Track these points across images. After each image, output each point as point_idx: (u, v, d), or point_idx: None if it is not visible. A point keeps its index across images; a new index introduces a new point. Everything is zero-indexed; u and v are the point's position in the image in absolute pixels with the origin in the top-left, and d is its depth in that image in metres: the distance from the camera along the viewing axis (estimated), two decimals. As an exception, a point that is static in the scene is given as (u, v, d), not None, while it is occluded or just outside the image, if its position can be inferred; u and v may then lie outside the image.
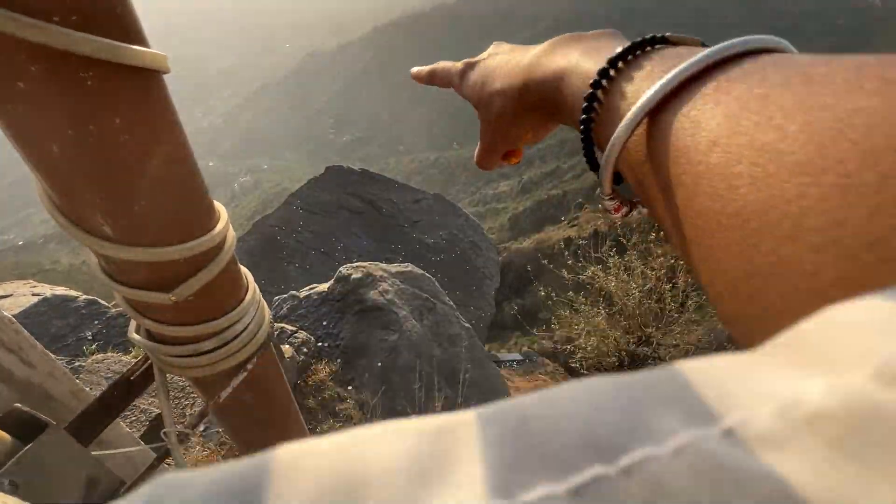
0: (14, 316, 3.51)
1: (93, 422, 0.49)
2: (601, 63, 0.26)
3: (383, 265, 4.36)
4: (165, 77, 0.36)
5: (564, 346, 5.98)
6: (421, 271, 4.49)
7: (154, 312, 0.45)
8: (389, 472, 0.09)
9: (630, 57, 0.26)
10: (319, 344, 3.62)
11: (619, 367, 5.33)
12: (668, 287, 5.10)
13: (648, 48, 0.26)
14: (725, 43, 0.23)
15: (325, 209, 10.87)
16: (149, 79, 0.34)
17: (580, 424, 0.09)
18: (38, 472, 0.35)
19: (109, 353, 2.99)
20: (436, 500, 0.08)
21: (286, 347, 3.28)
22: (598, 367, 5.68)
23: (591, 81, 0.27)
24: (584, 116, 0.27)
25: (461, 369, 3.39)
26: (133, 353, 2.95)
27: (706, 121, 0.20)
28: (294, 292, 4.10)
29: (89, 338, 3.55)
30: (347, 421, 2.99)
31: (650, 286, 5.12)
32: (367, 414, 3.00)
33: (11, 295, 3.82)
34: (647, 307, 5.13)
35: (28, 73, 0.28)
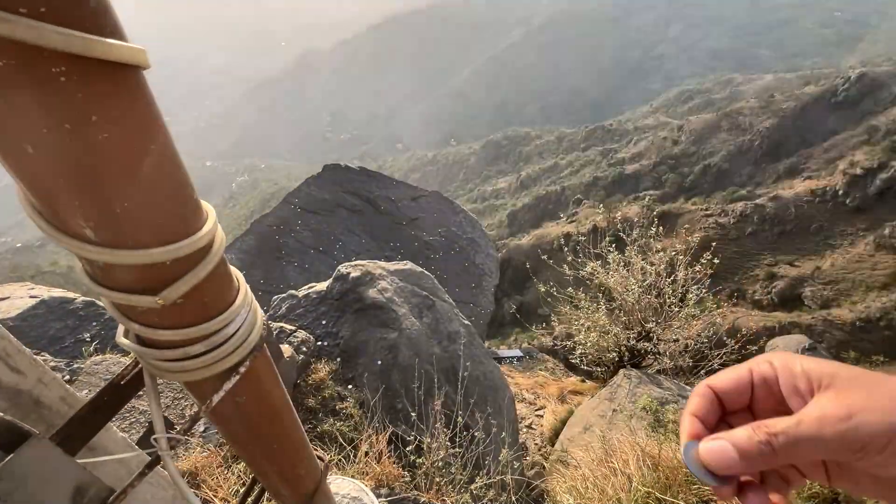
0: (11, 318, 3.50)
1: (82, 429, 0.48)
2: None
3: (382, 263, 4.35)
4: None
5: (564, 342, 5.99)
6: (420, 269, 4.47)
7: (141, 316, 0.43)
8: None
9: None
10: (319, 343, 3.61)
11: (619, 362, 5.33)
12: (667, 282, 5.10)
13: None
14: None
15: (323, 208, 10.86)
16: (127, 74, 0.33)
17: None
18: (21, 483, 0.34)
19: (108, 355, 2.98)
20: None
21: (285, 347, 3.27)
22: (598, 363, 5.69)
23: None
24: None
25: (461, 366, 3.38)
26: (131, 355, 2.94)
27: None
28: (293, 291, 4.09)
29: (88, 339, 3.54)
30: (347, 420, 2.99)
31: (650, 281, 5.12)
32: (367, 412, 2.99)
33: (9, 297, 3.80)
34: (646, 302, 5.13)
35: (-4, 68, 0.27)
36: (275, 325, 3.52)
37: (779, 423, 0.36)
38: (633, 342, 5.23)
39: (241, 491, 0.90)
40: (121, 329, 0.48)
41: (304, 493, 0.92)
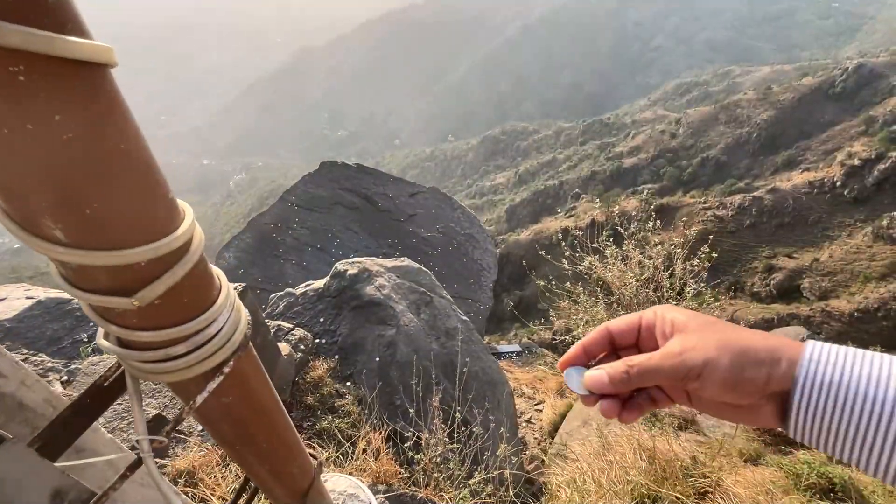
0: (8, 320, 3.49)
1: (63, 432, 0.48)
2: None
3: (379, 260, 4.34)
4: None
5: (563, 337, 5.99)
6: (417, 265, 4.47)
7: (119, 318, 0.43)
8: None
9: None
10: (317, 341, 3.61)
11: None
12: (665, 275, 5.10)
13: None
14: None
15: (320, 205, 10.84)
16: (93, 73, 0.32)
17: None
18: (-4, 488, 0.34)
19: (105, 356, 2.98)
20: None
21: (283, 345, 3.27)
22: (597, 357, 5.69)
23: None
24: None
25: (459, 362, 3.39)
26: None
27: None
28: (290, 289, 4.09)
29: (85, 340, 3.53)
30: (346, 417, 2.99)
31: (647, 275, 5.12)
32: (366, 409, 2.99)
33: (5, 298, 3.79)
34: (644, 296, 5.13)
35: (-47, 68, 0.26)
36: (273, 323, 3.52)
37: (637, 358, 0.49)
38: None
39: (235, 490, 0.90)
40: (101, 331, 0.47)
41: (298, 491, 0.92)
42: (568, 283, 5.58)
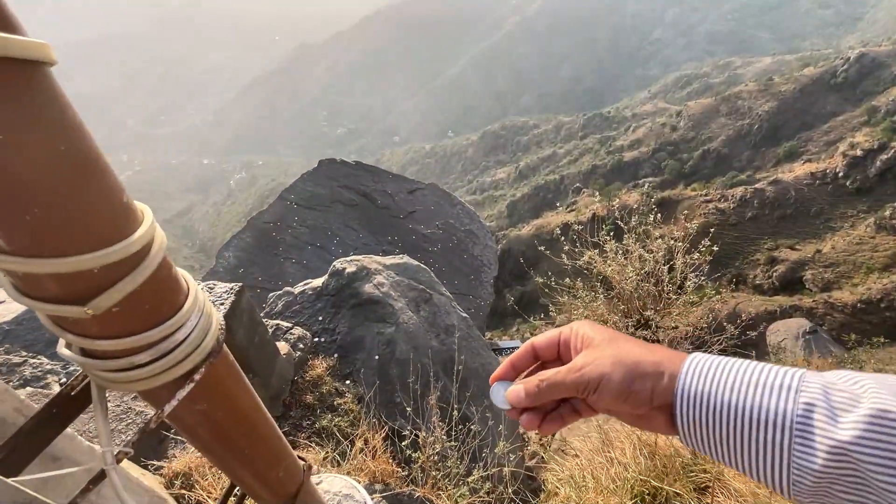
0: (7, 322, 3.49)
1: (27, 445, 0.46)
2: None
3: (378, 258, 4.33)
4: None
5: (563, 332, 5.97)
6: (416, 262, 4.46)
7: (76, 326, 0.41)
8: None
9: None
10: (316, 339, 3.61)
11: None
12: (665, 269, 5.07)
13: None
14: None
15: (319, 203, 10.81)
16: (28, 71, 0.30)
17: None
18: (-60, 508, 0.33)
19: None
20: None
21: (282, 344, 3.26)
22: (598, 352, 5.67)
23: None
24: None
25: (458, 360, 3.37)
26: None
27: None
28: (289, 288, 4.08)
29: (84, 342, 3.53)
30: (346, 415, 2.99)
31: (648, 269, 5.09)
32: (365, 408, 2.99)
33: (3, 301, 3.79)
34: (645, 290, 5.11)
35: None
36: (271, 322, 3.51)
37: (547, 373, 0.53)
38: (631, 330, 5.22)
39: (222, 494, 0.88)
40: (62, 340, 0.46)
41: (287, 494, 0.91)
42: (568, 279, 5.56)
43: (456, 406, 2.61)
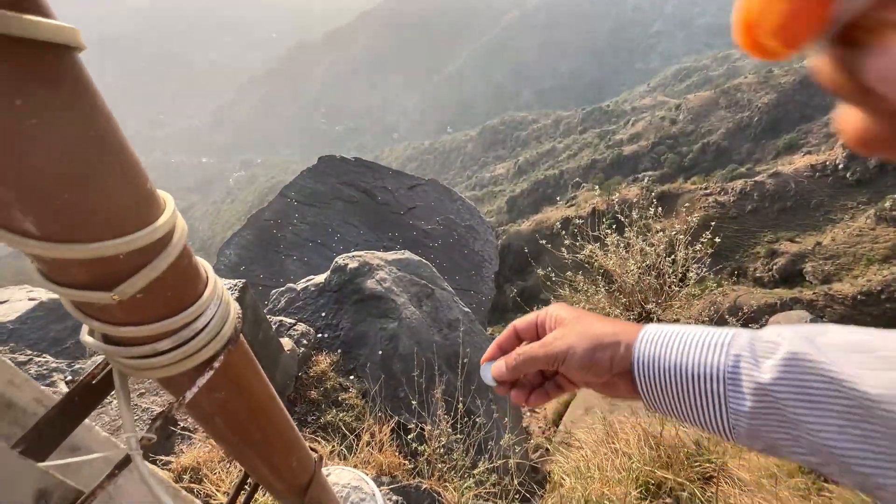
0: (11, 321, 3.50)
1: (51, 432, 0.47)
2: None
3: (380, 253, 4.33)
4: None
5: (565, 326, 5.98)
6: (418, 258, 4.46)
7: (101, 313, 0.42)
8: None
9: None
10: (319, 335, 3.61)
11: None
12: (667, 262, 5.07)
13: None
14: None
15: (319, 200, 10.80)
16: (57, 55, 0.31)
17: None
18: (-25, 490, 0.33)
19: (108, 355, 2.97)
20: None
21: (286, 340, 3.27)
22: (600, 345, 5.68)
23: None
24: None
25: (461, 354, 3.39)
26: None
27: None
28: (291, 285, 4.08)
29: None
30: (350, 410, 3.00)
31: (649, 262, 5.10)
32: (370, 402, 3.00)
33: (7, 301, 3.79)
34: (646, 283, 5.11)
35: None
36: (274, 318, 3.52)
37: (523, 348, 0.59)
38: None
39: (234, 484, 0.89)
40: (85, 328, 0.46)
41: (299, 485, 0.92)
42: (569, 273, 5.57)
43: (461, 399, 2.62)
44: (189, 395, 0.49)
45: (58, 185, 0.32)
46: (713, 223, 5.83)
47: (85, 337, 0.46)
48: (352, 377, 3.28)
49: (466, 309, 4.24)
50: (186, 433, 2.14)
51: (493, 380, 0.61)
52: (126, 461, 0.44)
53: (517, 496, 2.06)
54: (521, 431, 3.70)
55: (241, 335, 0.58)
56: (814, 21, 0.24)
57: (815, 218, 41.56)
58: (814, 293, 32.49)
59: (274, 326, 3.37)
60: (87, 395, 0.52)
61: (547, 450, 3.63)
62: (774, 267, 38.33)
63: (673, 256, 5.11)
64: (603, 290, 5.38)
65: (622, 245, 5.28)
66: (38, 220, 0.33)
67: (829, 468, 0.39)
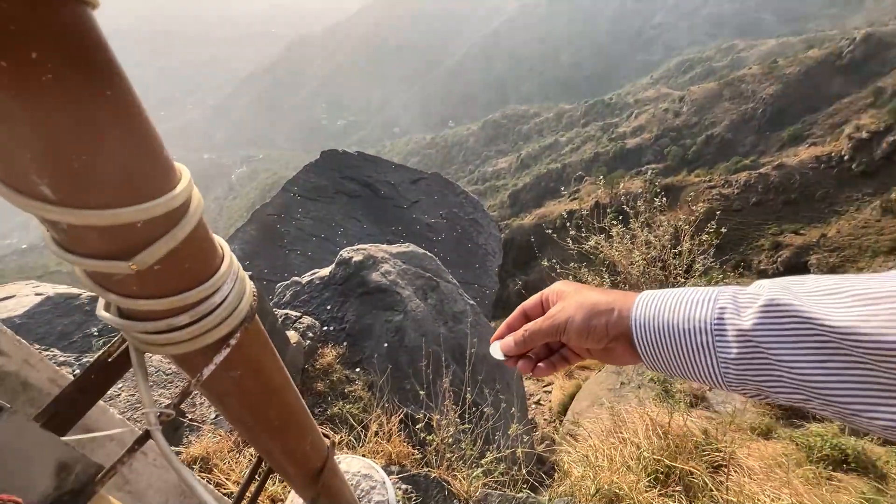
0: (18, 316, 3.51)
1: (68, 409, 0.46)
2: None
3: (384, 246, 4.32)
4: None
5: (570, 318, 5.97)
6: (422, 251, 4.45)
7: (117, 285, 0.41)
8: None
9: None
10: (325, 328, 3.62)
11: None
12: (672, 253, 5.05)
13: None
14: None
15: (322, 194, 10.79)
16: (73, 10, 0.29)
17: None
18: (-5, 460, 0.32)
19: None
20: None
21: (291, 333, 3.28)
22: (605, 337, 5.67)
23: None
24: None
25: (468, 345, 3.38)
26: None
27: None
28: (296, 278, 4.08)
29: (96, 334, 3.55)
30: (357, 402, 3.01)
31: (654, 254, 5.07)
32: (377, 394, 3.00)
33: (14, 296, 3.81)
34: (651, 274, 5.09)
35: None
36: (280, 311, 3.53)
37: (530, 324, 0.62)
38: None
39: (248, 469, 0.89)
40: (101, 303, 0.45)
41: (312, 469, 0.92)
42: (573, 264, 5.55)
43: (468, 390, 2.62)
44: (206, 371, 0.49)
45: (74, 145, 0.31)
46: (717, 215, 5.79)
47: (101, 312, 0.45)
48: (358, 369, 3.28)
49: (472, 301, 4.23)
50: (195, 424, 2.14)
51: (502, 354, 0.65)
52: (145, 437, 0.43)
53: (525, 485, 2.06)
54: (528, 423, 3.70)
55: (256, 314, 0.57)
56: None
57: (820, 210, 41.29)
58: (818, 285, 32.25)
59: (280, 319, 3.37)
60: (104, 373, 0.51)
61: (553, 441, 3.63)
62: (779, 259, 38.15)
63: (678, 248, 5.09)
64: (608, 281, 5.36)
65: (627, 236, 5.26)
66: (53, 183, 0.32)
67: (812, 403, 0.42)
